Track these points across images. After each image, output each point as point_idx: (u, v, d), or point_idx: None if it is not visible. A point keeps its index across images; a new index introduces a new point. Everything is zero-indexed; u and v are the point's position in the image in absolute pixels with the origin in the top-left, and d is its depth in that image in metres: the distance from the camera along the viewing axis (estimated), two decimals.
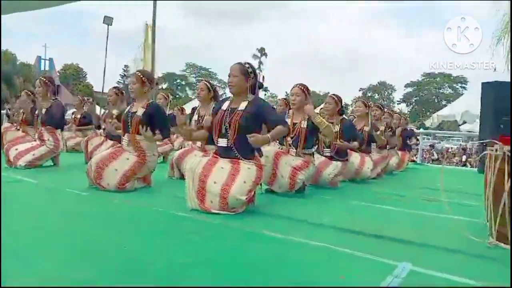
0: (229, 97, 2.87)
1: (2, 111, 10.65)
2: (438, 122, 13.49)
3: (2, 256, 1.46)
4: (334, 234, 2.17)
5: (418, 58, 68.75)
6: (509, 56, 8.66)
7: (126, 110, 3.40)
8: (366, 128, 4.87)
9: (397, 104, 51.63)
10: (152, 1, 12.75)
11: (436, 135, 16.70)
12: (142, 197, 2.92)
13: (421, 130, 10.39)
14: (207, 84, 4.20)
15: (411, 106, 50.07)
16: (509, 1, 7.23)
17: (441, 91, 47.98)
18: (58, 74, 36.57)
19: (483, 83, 8.07)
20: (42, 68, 32.36)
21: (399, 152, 6.23)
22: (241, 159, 2.64)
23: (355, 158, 4.53)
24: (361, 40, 74.44)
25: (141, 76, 3.37)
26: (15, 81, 26.16)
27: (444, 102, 43.31)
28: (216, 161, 2.66)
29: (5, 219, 1.93)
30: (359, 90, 53.31)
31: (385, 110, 6.10)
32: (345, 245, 1.88)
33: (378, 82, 52.50)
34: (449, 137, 19.74)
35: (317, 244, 1.89)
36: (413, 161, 9.08)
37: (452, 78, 46.25)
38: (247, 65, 2.77)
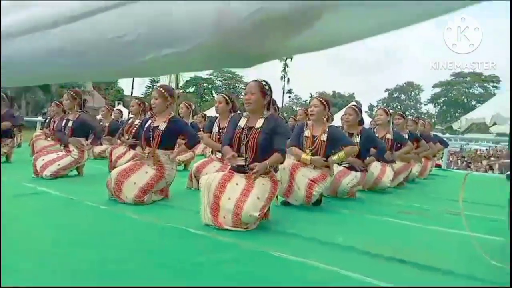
0: (244, 113, 2.88)
1: (37, 118, 11.14)
2: (467, 125, 13.04)
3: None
4: (348, 256, 2.13)
5: (447, 56, 66.71)
6: (510, 64, 8.50)
7: (147, 124, 3.46)
8: (389, 136, 4.79)
9: (424, 105, 50.45)
10: None
11: (464, 137, 16.17)
12: (157, 211, 2.97)
13: (447, 135, 10.09)
14: (225, 97, 4.25)
15: (439, 107, 48.71)
16: (509, 0, 7.02)
17: (471, 91, 46.44)
18: None
19: None
20: None
21: (422, 159, 6.06)
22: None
23: (374, 168, 4.45)
24: (387, 39, 73.02)
25: (163, 91, 3.44)
26: (51, 87, 27.17)
27: (474, 103, 41.97)
28: (231, 177, 2.68)
29: (17, 233, 2.01)
30: (385, 91, 52.44)
31: (410, 116, 6.00)
32: (358, 269, 1.84)
33: (404, 83, 51.41)
34: (478, 139, 19.06)
35: (328, 268, 1.87)
36: (439, 166, 8.80)
37: (483, 77, 44.66)
38: (264, 83, 2.80)
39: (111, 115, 7.42)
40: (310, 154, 3.47)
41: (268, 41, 0.58)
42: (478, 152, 15.93)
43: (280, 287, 1.69)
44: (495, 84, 43.86)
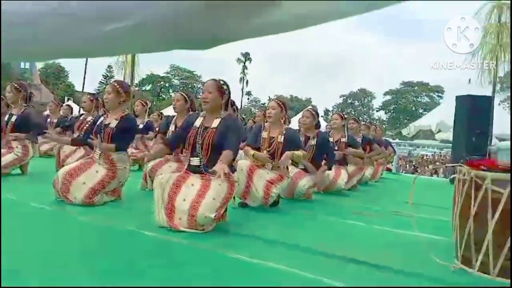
0: (201, 112, 2.84)
1: None
2: (415, 131, 13.82)
3: None
4: (305, 257, 2.14)
5: (398, 66, 70.34)
6: (510, 64, 8.78)
7: (99, 121, 3.31)
8: (343, 139, 4.93)
9: (376, 111, 52.70)
10: None
11: (412, 143, 17.08)
12: (109, 213, 2.83)
13: (397, 140, 10.60)
14: (184, 95, 4.16)
15: (390, 113, 51.14)
16: (509, 0, 7.30)
17: (418, 99, 49.27)
18: (39, 72, 35.50)
19: (457, 97, 8.29)
20: (22, 66, 31.24)
21: (374, 163, 6.31)
22: (213, 175, 2.60)
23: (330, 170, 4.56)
24: (344, 47, 75.75)
25: (117, 86, 3.29)
26: None
27: (421, 110, 44.52)
28: (187, 177, 2.61)
29: None
30: (340, 97, 54.15)
31: (363, 121, 6.24)
32: (314, 270, 1.86)
33: (358, 89, 53.40)
34: (425, 144, 20.21)
35: (285, 269, 1.87)
36: (389, 169, 9.22)
37: (429, 87, 47.63)
38: (221, 82, 2.76)
39: (59, 110, 7.03)
40: (267, 155, 3.49)
41: (225, 22, 0.54)
42: (425, 157, 16.88)
43: None
44: (439, 94, 46.89)
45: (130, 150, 4.21)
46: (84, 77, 14.23)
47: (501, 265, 1.92)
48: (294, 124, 8.82)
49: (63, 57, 0.65)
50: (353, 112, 48.40)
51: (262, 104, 48.06)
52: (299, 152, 3.46)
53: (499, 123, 8.98)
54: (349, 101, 53.70)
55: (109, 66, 38.18)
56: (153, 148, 2.91)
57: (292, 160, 3.58)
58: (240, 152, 5.04)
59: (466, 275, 1.98)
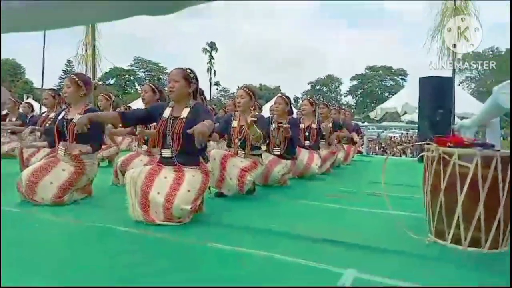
0: (170, 102, 2.75)
1: None
2: (382, 114, 14.17)
3: None
4: (281, 241, 2.15)
5: (362, 52, 71.75)
6: (510, 57, 9.05)
7: (61, 116, 3.17)
8: (314, 125, 4.97)
9: (344, 96, 53.66)
10: None
11: (380, 125, 17.58)
12: (80, 211, 2.73)
13: (366, 123, 10.85)
14: (152, 85, 4.04)
15: (357, 98, 52.23)
16: (509, 1, 7.45)
17: (383, 83, 50.53)
18: None
19: (420, 78, 8.54)
20: None
21: (345, 146, 6.44)
22: (186, 167, 2.55)
23: (303, 155, 4.61)
24: (310, 35, 76.29)
25: (76, 79, 3.14)
26: None
27: (386, 94, 45.72)
28: (159, 170, 2.54)
29: None
30: (308, 84, 54.64)
31: (332, 107, 6.32)
32: (290, 253, 1.88)
33: (325, 76, 54.04)
34: (392, 126, 20.84)
35: (262, 254, 1.87)
36: (360, 152, 9.44)
37: (393, 71, 48.96)
38: (188, 70, 2.68)
39: (18, 108, 6.66)
40: (238, 143, 3.46)
41: None
42: (392, 139, 17.42)
43: None
44: (403, 77, 48.24)
45: None
46: (43, 73, 13.60)
47: (472, 236, 2.01)
48: (265, 112, 8.84)
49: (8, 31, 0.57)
50: (322, 98, 49.02)
51: (231, 93, 47.76)
52: (259, 131, 3.22)
53: (460, 103, 9.35)
54: (317, 87, 54.31)
55: (69, 61, 36.51)
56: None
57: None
58: (212, 142, 4.99)
59: (440, 247, 2.06)
